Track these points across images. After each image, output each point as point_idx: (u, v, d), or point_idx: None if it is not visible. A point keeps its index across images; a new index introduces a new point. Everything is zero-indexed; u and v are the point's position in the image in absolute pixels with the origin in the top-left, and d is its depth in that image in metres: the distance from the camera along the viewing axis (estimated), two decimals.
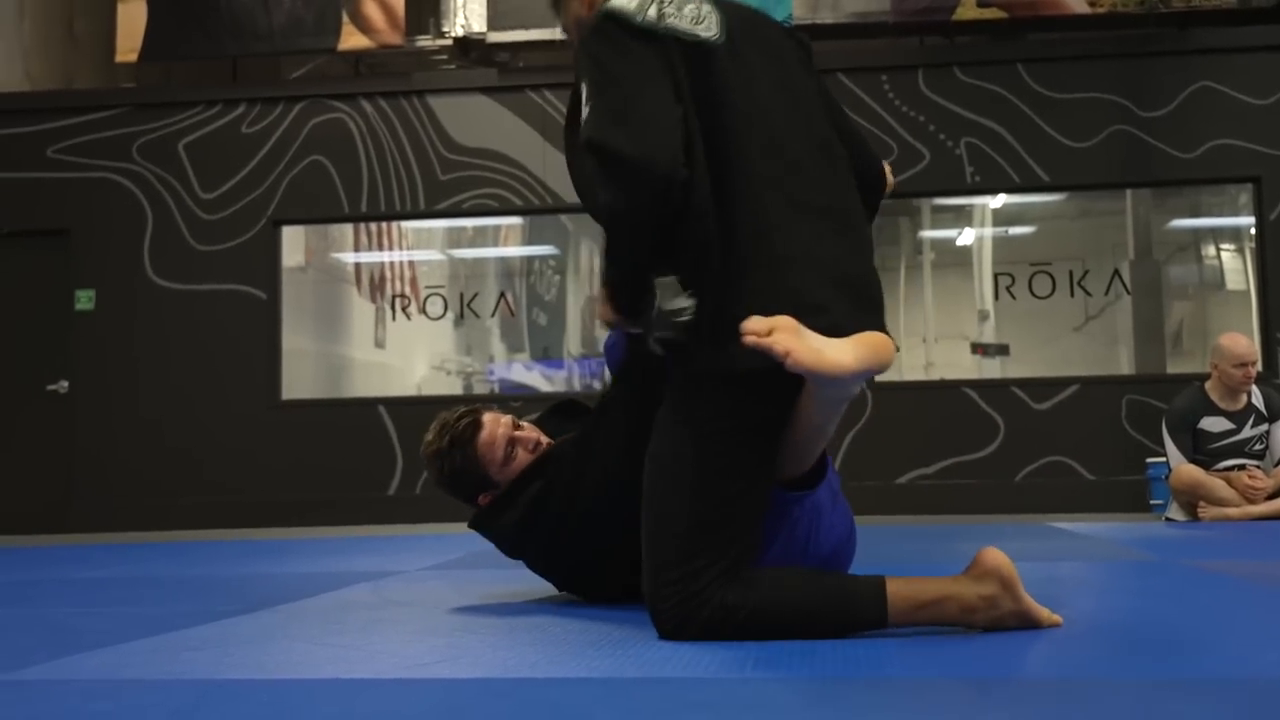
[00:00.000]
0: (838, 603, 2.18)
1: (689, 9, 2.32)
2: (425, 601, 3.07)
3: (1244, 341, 5.95)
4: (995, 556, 2.17)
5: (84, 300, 8.69)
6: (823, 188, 2.31)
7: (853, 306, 2.22)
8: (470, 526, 2.94)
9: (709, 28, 2.31)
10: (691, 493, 2.19)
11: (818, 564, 2.43)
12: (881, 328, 2.24)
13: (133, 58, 8.87)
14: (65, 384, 8.65)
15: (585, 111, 2.20)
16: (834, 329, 2.10)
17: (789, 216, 2.23)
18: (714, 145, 2.22)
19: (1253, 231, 8.16)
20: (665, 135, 2.15)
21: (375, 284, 8.92)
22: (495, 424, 2.93)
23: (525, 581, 3.20)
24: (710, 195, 2.20)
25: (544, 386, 8.75)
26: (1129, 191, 8.40)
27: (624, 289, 2.31)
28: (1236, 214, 8.41)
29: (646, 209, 2.15)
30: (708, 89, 2.25)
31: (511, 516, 2.82)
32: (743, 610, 2.14)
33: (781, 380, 2.11)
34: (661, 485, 2.25)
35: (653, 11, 2.27)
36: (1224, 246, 8.57)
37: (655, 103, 2.17)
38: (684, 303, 2.19)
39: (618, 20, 2.26)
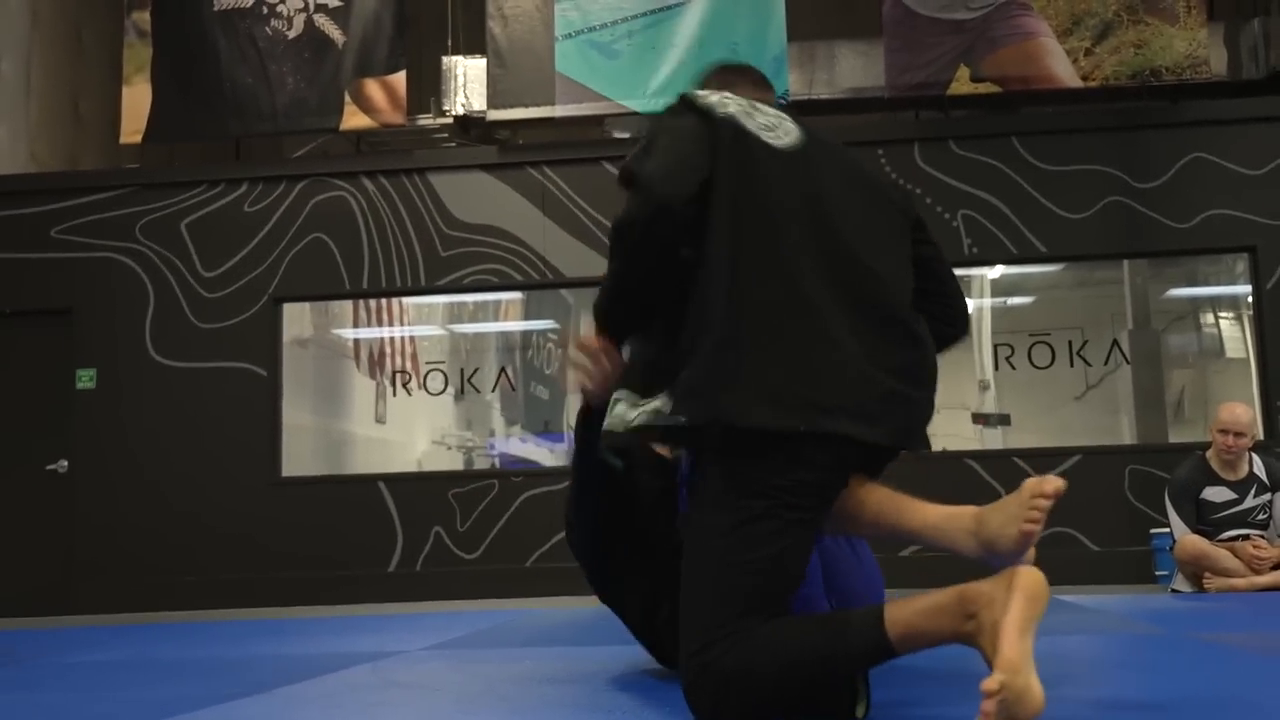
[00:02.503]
0: (834, 629, 2.10)
1: (763, 119, 2.36)
2: (428, 683, 3.04)
3: (1236, 410, 5.94)
4: (1033, 573, 2.04)
5: (85, 379, 8.70)
6: (876, 299, 2.28)
7: (870, 399, 2.19)
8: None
9: (778, 137, 2.35)
10: (712, 570, 2.14)
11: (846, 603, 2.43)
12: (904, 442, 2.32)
13: (137, 139, 8.97)
14: (65, 463, 8.63)
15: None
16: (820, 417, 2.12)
17: (834, 315, 2.20)
18: (750, 223, 2.24)
19: (1250, 300, 8.20)
20: (675, 169, 2.23)
21: (376, 360, 8.95)
22: None
23: (529, 661, 3.17)
24: (729, 265, 2.20)
25: (545, 460, 8.74)
26: (1126, 262, 8.45)
27: (614, 308, 2.39)
28: (1234, 283, 8.45)
29: (642, 225, 2.22)
30: (753, 169, 2.27)
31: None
32: (746, 667, 2.06)
33: (777, 447, 2.11)
34: (688, 575, 2.20)
35: (717, 101, 2.35)
36: (1222, 315, 8.61)
37: (680, 149, 2.26)
38: (638, 410, 2.23)
39: (685, 97, 2.39)
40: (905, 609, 2.06)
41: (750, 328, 2.16)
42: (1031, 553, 2.15)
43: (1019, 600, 1.96)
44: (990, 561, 2.20)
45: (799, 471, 2.14)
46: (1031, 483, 2.18)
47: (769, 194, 2.25)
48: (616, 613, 2.96)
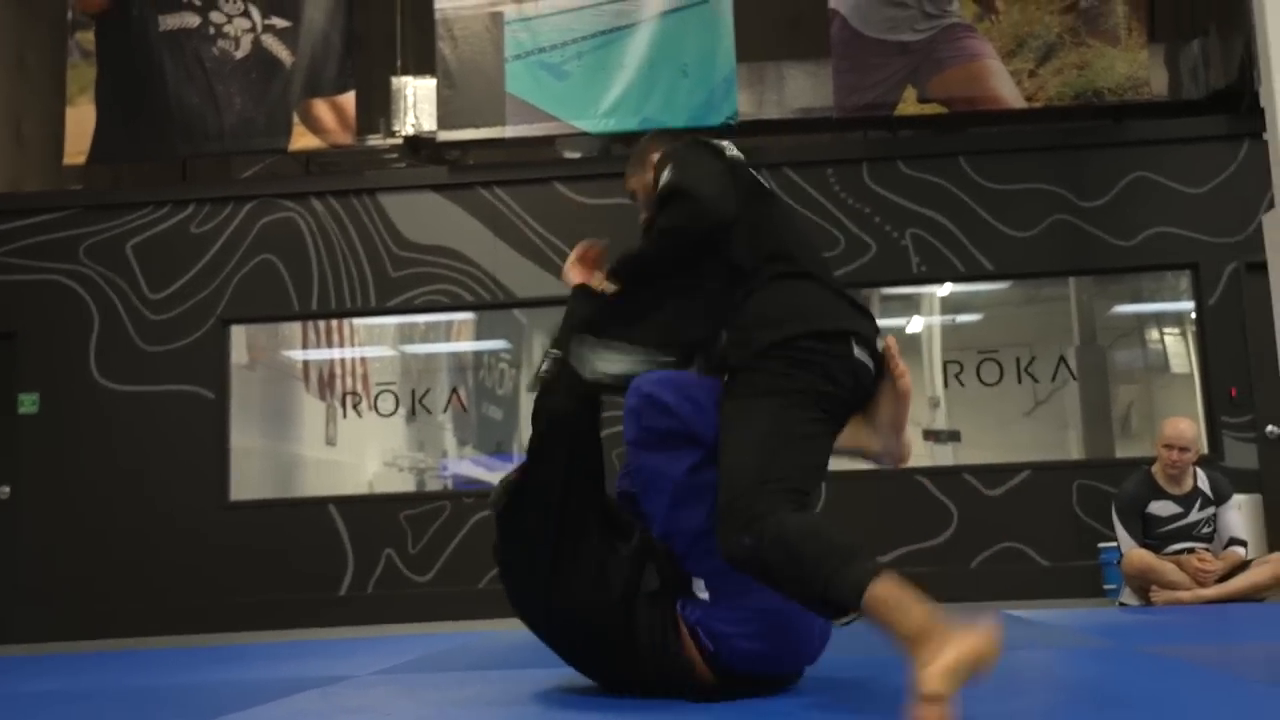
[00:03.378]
0: (841, 559, 2.38)
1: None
2: (377, 708, 3.01)
3: (1179, 425, 6.03)
4: (989, 642, 2.29)
5: (27, 404, 8.56)
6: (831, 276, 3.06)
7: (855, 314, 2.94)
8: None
9: (765, 181, 3.11)
10: (761, 442, 2.59)
11: None
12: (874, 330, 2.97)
13: (81, 160, 8.85)
14: (7, 489, 8.48)
15: (664, 177, 2.90)
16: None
17: (827, 284, 2.95)
18: (764, 227, 2.94)
19: (1193, 316, 8.33)
20: (725, 196, 2.88)
21: (325, 381, 8.87)
22: None
23: (481, 684, 3.14)
24: (749, 247, 2.88)
25: (498, 481, 8.68)
26: (1072, 279, 8.55)
27: (633, 276, 2.93)
28: (1177, 299, 8.58)
29: (695, 234, 2.84)
30: (760, 193, 3.00)
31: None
32: (795, 526, 2.45)
33: (817, 351, 2.73)
34: (732, 444, 2.62)
35: (727, 146, 3.06)
36: (1167, 331, 8.73)
37: (723, 181, 2.91)
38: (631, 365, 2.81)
39: (699, 138, 3.05)
40: (892, 591, 2.31)
41: (787, 291, 2.84)
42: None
43: (960, 654, 2.24)
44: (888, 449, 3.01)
45: (833, 372, 2.74)
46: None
47: (772, 215, 2.98)
48: (532, 611, 3.06)
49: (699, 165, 2.90)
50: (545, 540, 2.88)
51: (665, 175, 2.90)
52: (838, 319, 2.84)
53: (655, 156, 3.14)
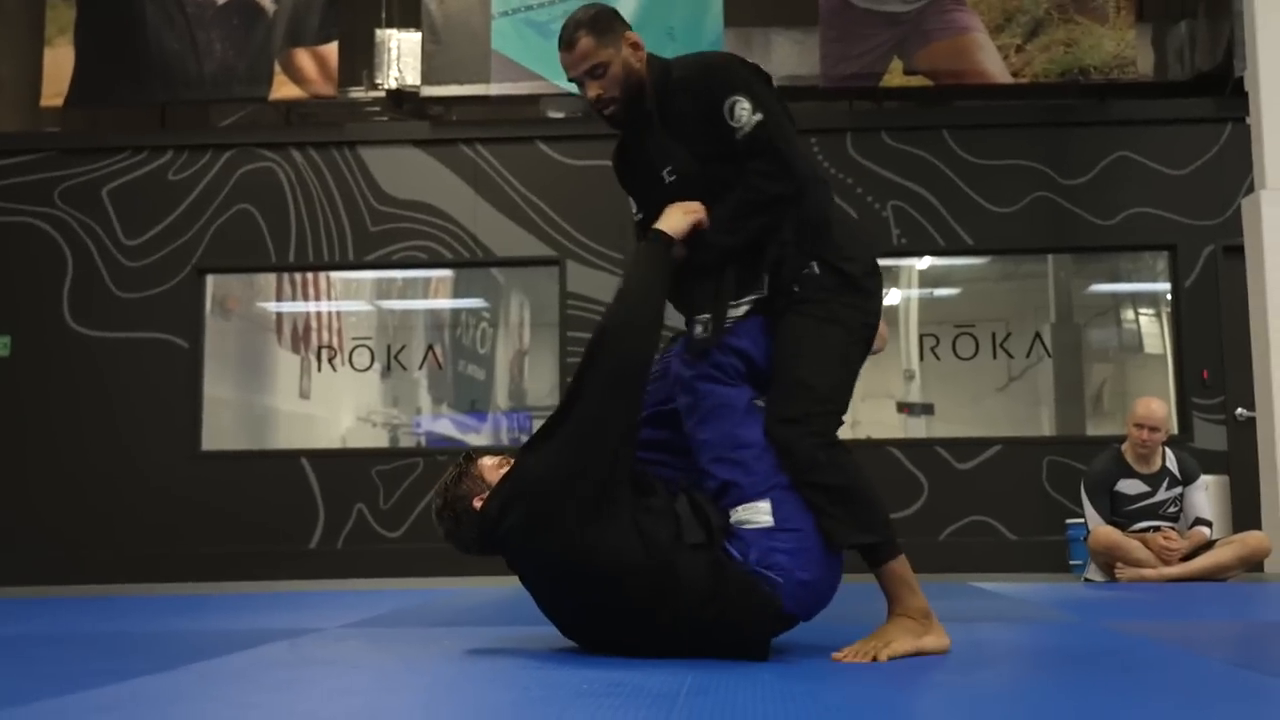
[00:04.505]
0: (878, 507, 2.92)
1: None
2: (345, 660, 3.01)
3: (1151, 405, 6.06)
4: (945, 647, 2.91)
5: None
6: None
7: None
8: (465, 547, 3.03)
9: None
10: (835, 364, 2.94)
11: None
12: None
13: (58, 102, 8.74)
14: None
15: (751, 107, 2.98)
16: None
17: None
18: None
19: (1169, 298, 8.37)
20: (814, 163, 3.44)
21: (300, 334, 8.83)
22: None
23: (448, 640, 3.15)
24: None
25: (471, 440, 8.69)
26: (1050, 256, 8.58)
27: (734, 239, 2.98)
28: (1154, 280, 8.63)
29: (798, 198, 3.01)
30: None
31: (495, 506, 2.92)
32: (849, 462, 2.88)
33: (875, 284, 3.08)
34: (812, 361, 2.90)
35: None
36: (1142, 311, 8.78)
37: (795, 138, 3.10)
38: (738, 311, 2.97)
39: (757, 68, 3.16)
40: (909, 568, 3.01)
41: (839, 216, 3.19)
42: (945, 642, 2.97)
43: (934, 645, 2.91)
44: None
45: (879, 305, 3.11)
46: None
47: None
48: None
49: (792, 132, 3.07)
50: (593, 482, 2.76)
51: (761, 129, 2.95)
52: (873, 248, 3.22)
53: (632, 36, 3.08)
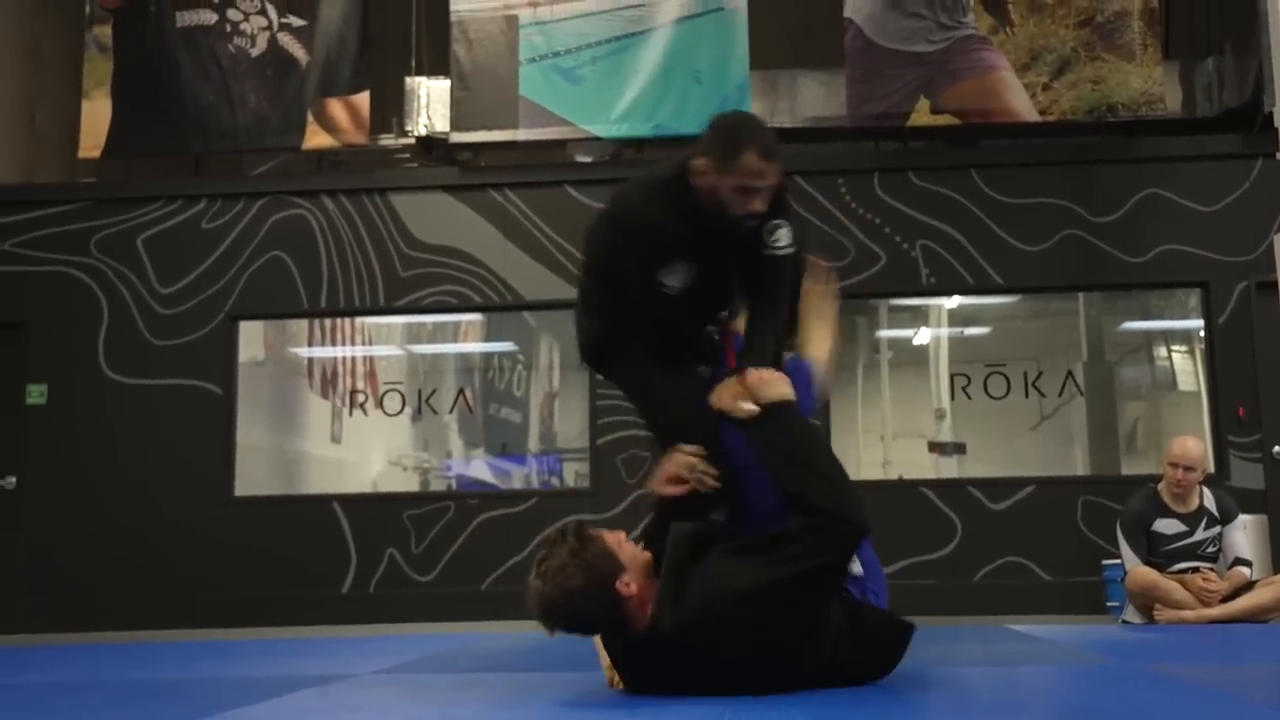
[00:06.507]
0: None
1: None
2: (377, 708, 3.01)
3: (1186, 444, 6.00)
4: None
5: (35, 395, 8.58)
6: None
7: None
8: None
9: None
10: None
11: None
12: None
13: (96, 154, 8.88)
14: (13, 479, 8.49)
15: (790, 238, 3.25)
16: None
17: None
18: None
19: (1202, 334, 8.30)
20: None
21: (331, 379, 8.88)
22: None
23: (482, 686, 3.14)
24: None
25: (501, 483, 8.70)
26: (1081, 294, 8.54)
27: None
28: (1186, 317, 8.56)
29: None
30: None
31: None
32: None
33: None
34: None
35: None
36: (1175, 348, 8.72)
37: None
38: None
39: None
40: None
41: None
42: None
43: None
44: None
45: None
46: None
47: None
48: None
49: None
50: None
51: (791, 261, 3.29)
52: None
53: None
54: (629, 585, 2.79)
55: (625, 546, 2.87)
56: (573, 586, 2.76)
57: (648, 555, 2.91)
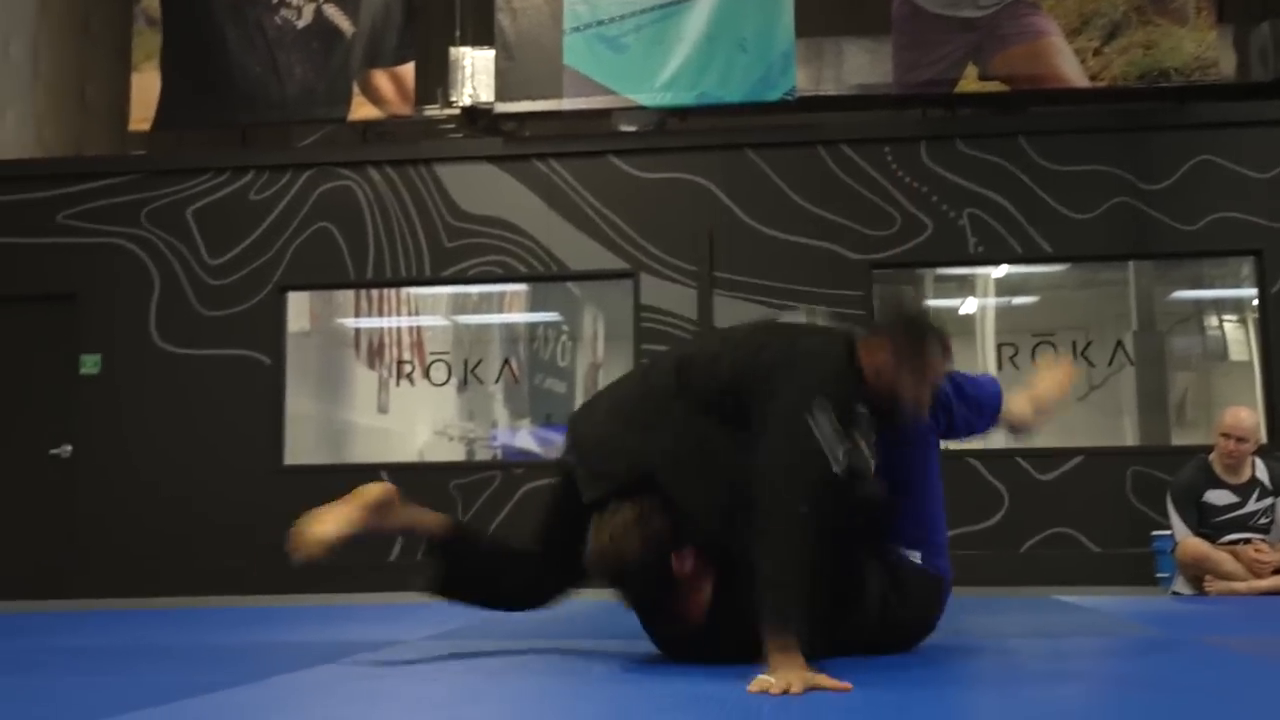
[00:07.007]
0: None
1: None
2: (427, 672, 3.04)
3: (1239, 414, 5.92)
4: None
5: (89, 365, 8.71)
6: None
7: None
8: None
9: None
10: None
11: None
12: None
13: (146, 126, 8.97)
14: (68, 448, 8.63)
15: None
16: None
17: None
18: None
19: (1255, 303, 8.18)
20: None
21: (377, 350, 8.95)
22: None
23: (528, 652, 3.17)
24: None
25: (546, 454, 8.74)
26: (1131, 263, 8.43)
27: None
28: (1239, 286, 8.44)
29: None
30: None
31: None
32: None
33: None
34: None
35: None
36: (1227, 318, 8.60)
37: None
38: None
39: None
40: None
41: None
42: None
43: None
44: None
45: None
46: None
47: None
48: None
49: None
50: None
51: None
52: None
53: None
54: (684, 563, 2.79)
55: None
56: (627, 548, 2.77)
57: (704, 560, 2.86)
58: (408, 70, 8.75)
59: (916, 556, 3.16)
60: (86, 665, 3.49)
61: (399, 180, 8.73)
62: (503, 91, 8.62)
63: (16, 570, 8.32)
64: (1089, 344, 8.32)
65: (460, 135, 9.06)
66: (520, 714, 2.33)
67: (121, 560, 8.41)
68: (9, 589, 8.07)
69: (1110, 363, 8.30)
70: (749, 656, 2.55)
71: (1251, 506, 5.89)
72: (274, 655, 3.54)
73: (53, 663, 3.60)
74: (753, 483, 2.65)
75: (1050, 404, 3.54)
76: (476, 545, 3.52)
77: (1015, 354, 8.36)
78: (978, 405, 3.39)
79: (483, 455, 8.81)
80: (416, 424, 8.97)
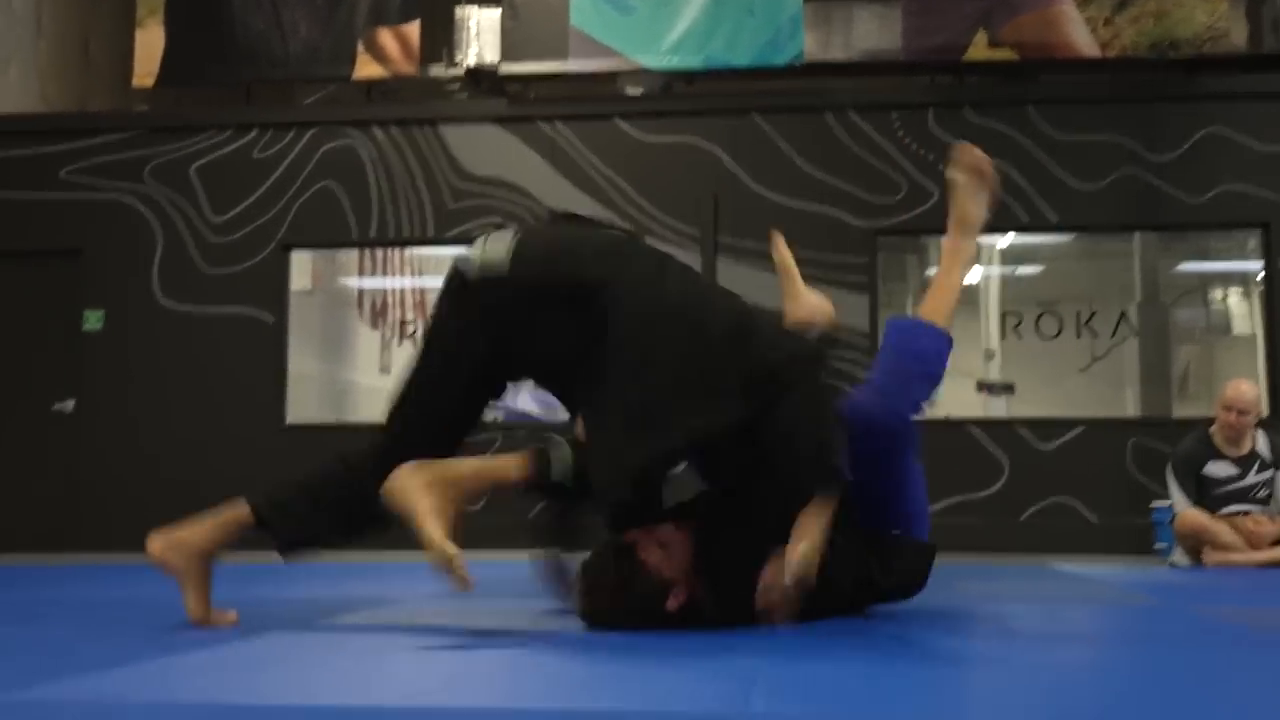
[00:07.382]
0: None
1: None
2: (427, 629, 3.06)
3: (1241, 387, 5.92)
4: None
5: (92, 320, 8.72)
6: None
7: None
8: None
9: None
10: None
11: None
12: None
13: (149, 82, 8.94)
14: (71, 403, 8.66)
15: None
16: None
17: None
18: None
19: (1260, 277, 8.17)
20: None
21: (379, 310, 8.94)
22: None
23: (530, 611, 3.18)
24: None
25: (547, 416, 8.74)
26: (1137, 234, 8.41)
27: None
28: (1244, 259, 8.42)
29: None
30: None
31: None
32: None
33: None
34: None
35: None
36: (1231, 291, 8.58)
37: None
38: None
39: None
40: None
41: None
42: None
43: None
44: None
45: None
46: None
47: None
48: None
49: None
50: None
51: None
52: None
53: None
54: (678, 597, 2.77)
55: (673, 548, 2.79)
56: (623, 615, 2.79)
57: (688, 543, 2.81)
58: (413, 29, 8.71)
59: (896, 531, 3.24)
60: (88, 617, 3.51)
61: (403, 140, 8.70)
62: (508, 51, 8.58)
63: (18, 523, 8.36)
64: (1093, 314, 8.32)
65: (465, 96, 9.03)
66: (520, 666, 2.34)
67: (123, 515, 8.42)
68: (10, 542, 8.11)
69: (1114, 334, 8.30)
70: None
71: (1251, 479, 5.90)
72: (275, 611, 3.56)
73: (51, 614, 3.62)
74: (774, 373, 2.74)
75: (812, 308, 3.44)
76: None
77: (1019, 323, 8.36)
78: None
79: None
80: None
